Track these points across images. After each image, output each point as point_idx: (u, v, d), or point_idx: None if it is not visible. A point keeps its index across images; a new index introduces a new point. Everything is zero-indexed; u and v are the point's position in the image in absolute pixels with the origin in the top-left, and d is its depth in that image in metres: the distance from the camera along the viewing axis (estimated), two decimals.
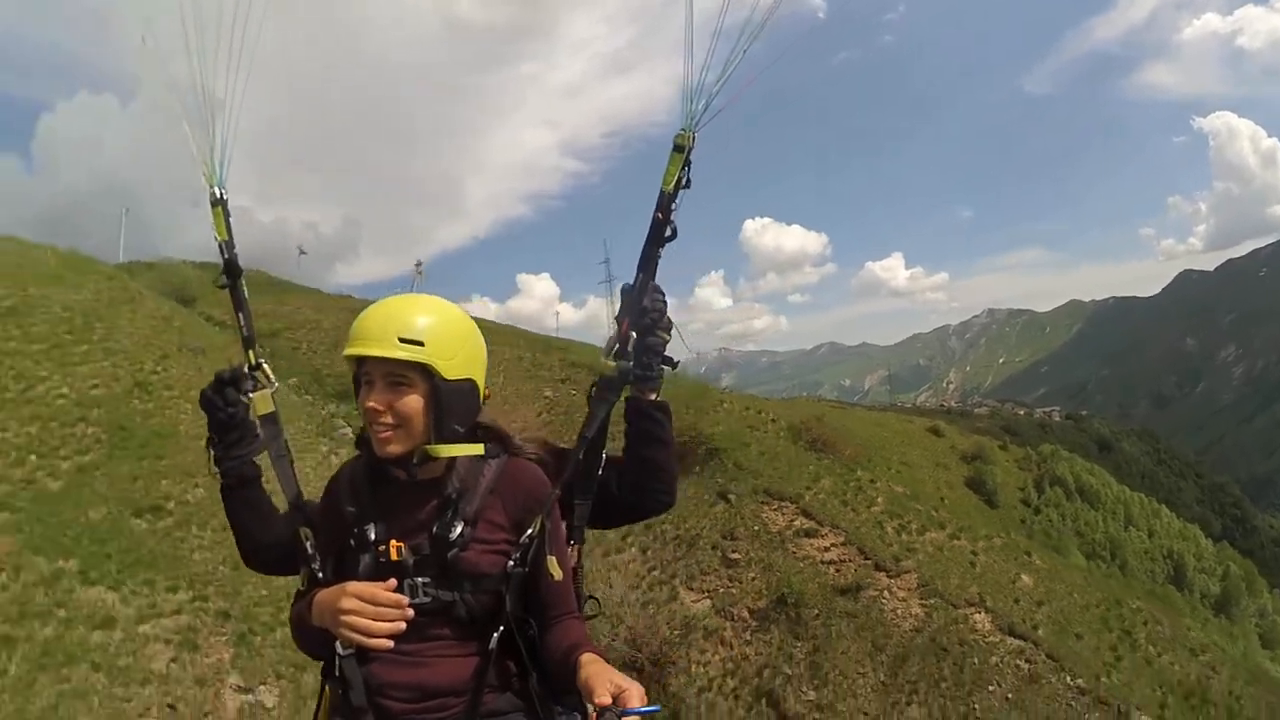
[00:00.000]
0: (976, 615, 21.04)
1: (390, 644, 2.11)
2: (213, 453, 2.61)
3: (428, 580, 2.17)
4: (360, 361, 2.23)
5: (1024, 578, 23.60)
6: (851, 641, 20.09)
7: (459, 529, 2.19)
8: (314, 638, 2.25)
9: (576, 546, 2.56)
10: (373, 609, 2.10)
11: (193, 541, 15.58)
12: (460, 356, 2.26)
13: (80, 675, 11.06)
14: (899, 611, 20.92)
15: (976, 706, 18.58)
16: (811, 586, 21.40)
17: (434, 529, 2.20)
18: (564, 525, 2.49)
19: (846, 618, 20.65)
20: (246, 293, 2.73)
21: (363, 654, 2.18)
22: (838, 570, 22.03)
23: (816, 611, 20.76)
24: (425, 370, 2.21)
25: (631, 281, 2.50)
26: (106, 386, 19.56)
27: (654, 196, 2.46)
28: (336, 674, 2.23)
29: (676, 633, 19.96)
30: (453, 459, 2.27)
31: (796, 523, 23.59)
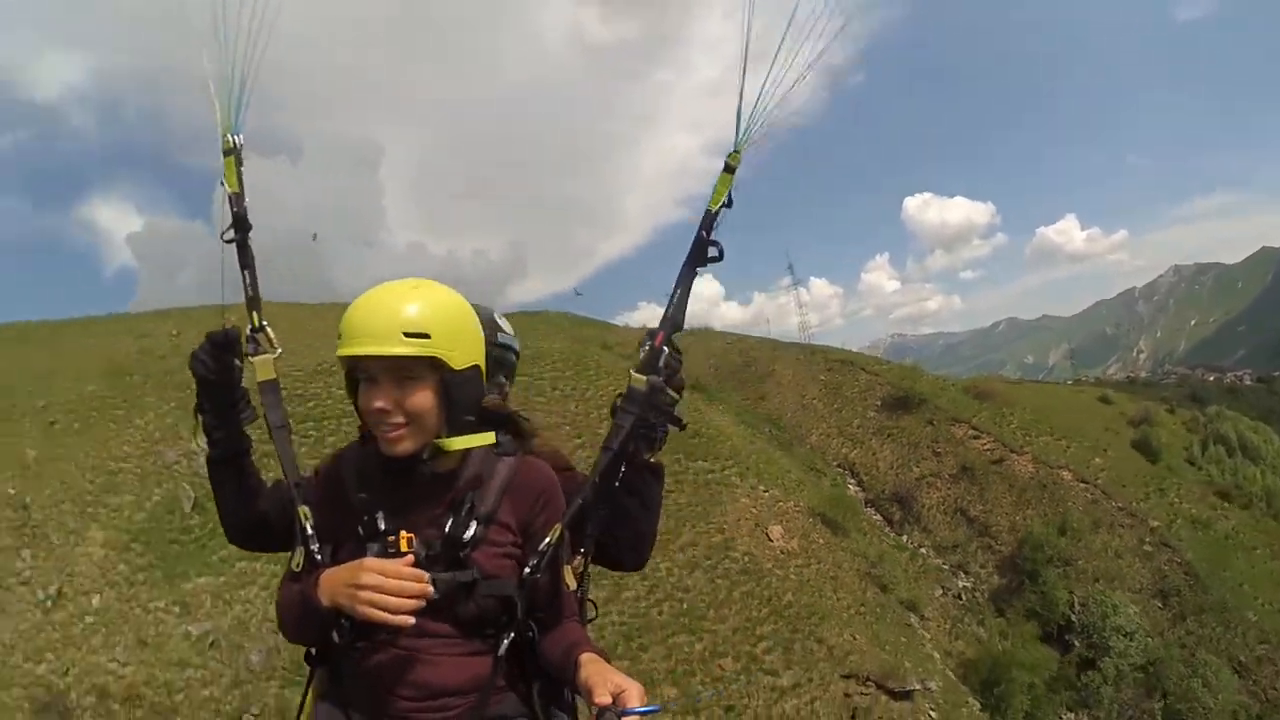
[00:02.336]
0: None
1: (412, 620, 1.99)
2: (200, 420, 2.49)
3: (439, 576, 2.07)
4: (354, 360, 2.09)
5: None
6: None
7: (473, 529, 2.14)
8: (310, 621, 2.13)
9: (586, 554, 2.53)
10: (394, 584, 1.97)
11: None
12: (464, 344, 2.17)
13: None
14: None
15: None
16: None
17: (447, 526, 2.13)
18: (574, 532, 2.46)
19: None
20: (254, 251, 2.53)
21: (360, 646, 2.13)
22: None
23: None
24: (433, 363, 2.11)
25: (670, 297, 2.47)
26: None
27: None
28: (329, 660, 2.22)
29: None
30: (467, 453, 2.22)
31: None
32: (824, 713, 21.81)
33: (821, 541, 28.80)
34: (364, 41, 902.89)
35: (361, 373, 2.12)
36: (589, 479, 2.45)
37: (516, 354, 3.09)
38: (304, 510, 2.23)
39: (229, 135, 2.50)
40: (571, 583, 2.28)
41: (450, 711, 2.12)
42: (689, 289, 2.46)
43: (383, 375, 2.08)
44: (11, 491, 24.78)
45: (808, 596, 25.41)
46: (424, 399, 2.11)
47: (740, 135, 2.39)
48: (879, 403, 42.72)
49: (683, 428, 2.55)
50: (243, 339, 2.46)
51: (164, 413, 28.10)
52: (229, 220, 2.51)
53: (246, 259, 2.51)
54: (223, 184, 2.51)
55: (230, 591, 23.03)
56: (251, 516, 2.52)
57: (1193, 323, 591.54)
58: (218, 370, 2.42)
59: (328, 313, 41.23)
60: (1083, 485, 37.18)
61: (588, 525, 2.49)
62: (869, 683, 22.85)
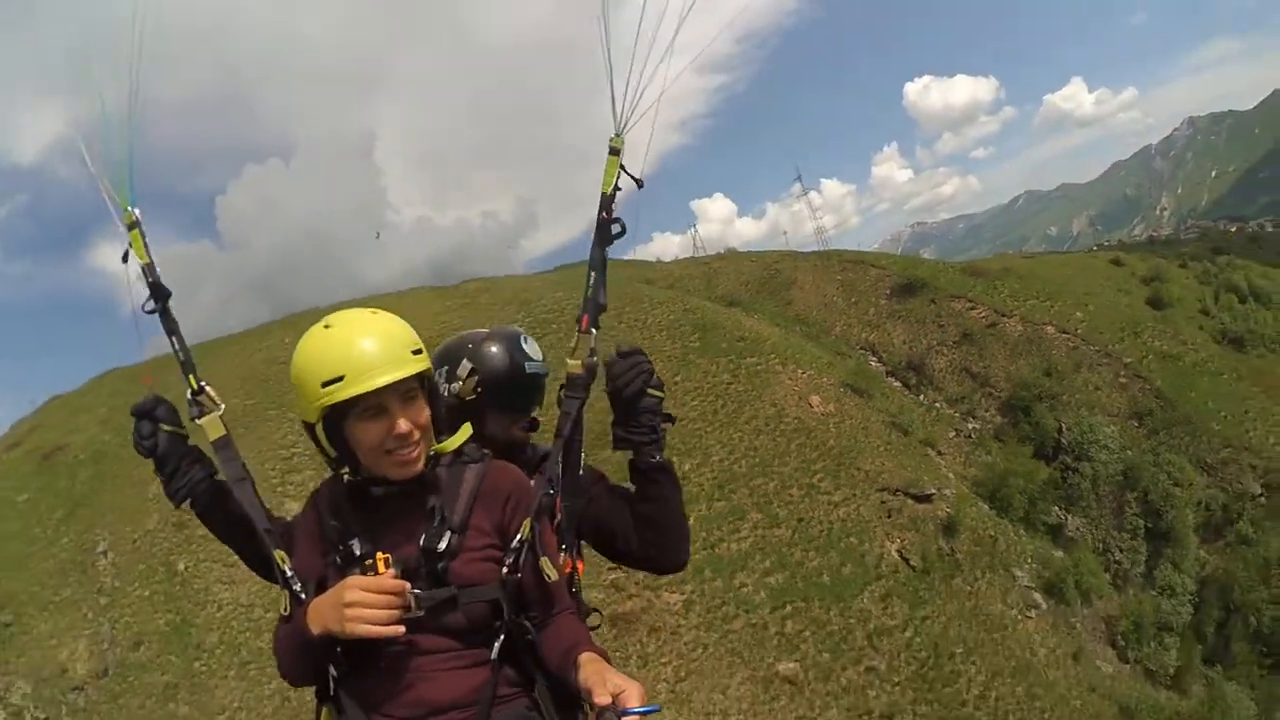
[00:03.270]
0: None
1: (402, 629, 2.04)
2: (164, 488, 2.61)
3: (419, 593, 2.10)
4: (355, 399, 2.10)
5: None
6: None
7: (447, 538, 2.16)
8: (303, 659, 2.20)
9: (570, 554, 2.56)
10: (376, 597, 2.01)
11: None
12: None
13: None
14: None
15: None
16: None
17: (422, 540, 2.16)
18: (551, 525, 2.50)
19: None
20: (176, 317, 2.63)
21: (359, 672, 2.16)
22: None
23: None
24: (421, 376, 2.21)
25: (586, 280, 2.52)
26: None
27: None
28: (331, 694, 2.22)
29: None
30: (435, 466, 2.27)
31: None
32: (866, 514, 30.41)
33: (852, 404, 36.95)
34: (343, 29, 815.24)
35: (367, 410, 2.12)
36: (547, 467, 2.51)
37: (546, 377, 3.03)
38: (280, 555, 2.28)
39: (128, 209, 2.58)
40: (552, 574, 2.24)
41: None
42: (604, 269, 2.51)
43: (393, 401, 2.12)
44: None
45: (846, 441, 33.80)
46: (427, 414, 2.22)
47: (619, 120, 2.45)
48: (888, 291, 49.64)
49: (673, 421, 2.60)
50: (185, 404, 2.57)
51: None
52: (147, 293, 2.59)
53: (170, 325, 2.62)
54: (126, 259, 2.59)
55: None
56: (250, 552, 2.59)
57: (1213, 174, 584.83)
58: (141, 439, 2.57)
59: (373, 304, 48.38)
60: (1064, 335, 44.76)
61: (560, 516, 2.53)
62: (898, 492, 31.32)
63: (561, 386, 2.54)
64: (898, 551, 29.75)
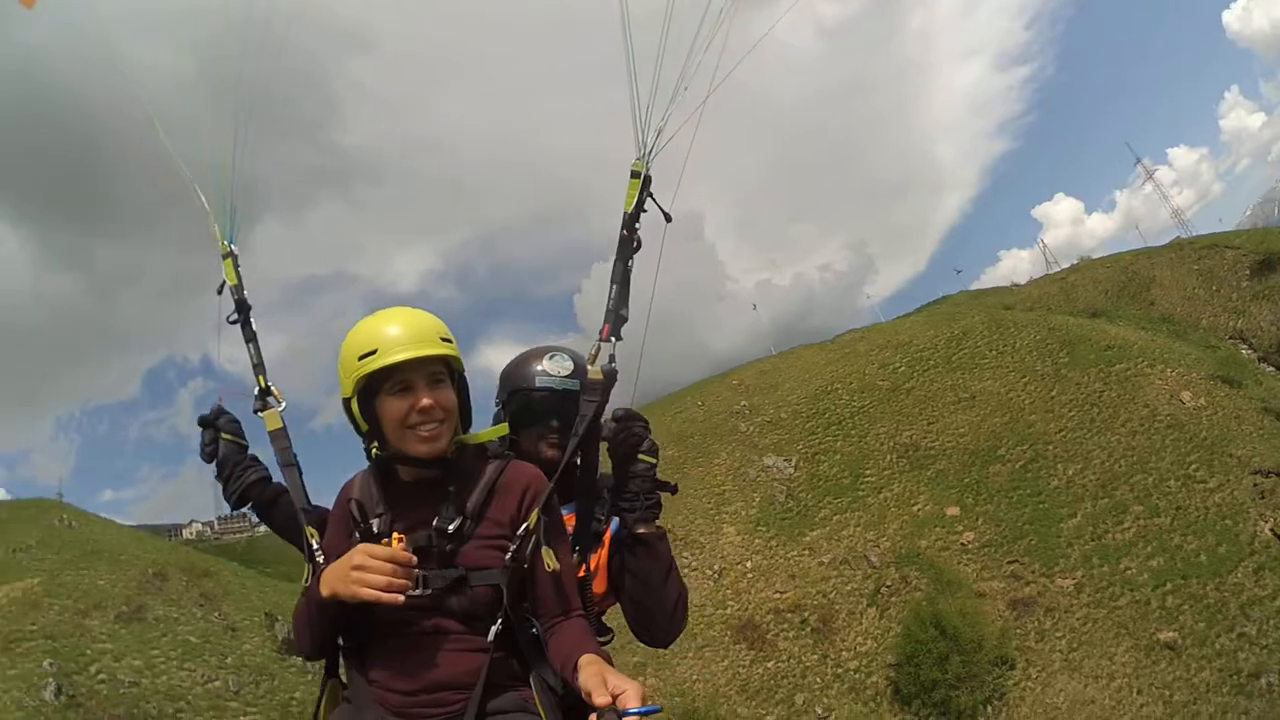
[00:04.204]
0: None
1: (402, 598, 2.15)
2: (222, 490, 3.00)
3: (429, 573, 2.24)
4: (384, 375, 2.34)
5: None
6: None
7: (459, 523, 2.31)
8: (314, 626, 2.35)
9: (586, 555, 2.66)
10: (383, 565, 2.14)
11: None
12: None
13: None
14: None
15: None
16: None
17: (435, 522, 2.32)
18: (567, 524, 2.62)
19: None
20: (255, 327, 3.20)
21: (363, 646, 2.34)
22: None
23: None
24: (451, 366, 2.45)
25: (608, 293, 2.60)
26: None
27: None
28: (337, 669, 2.45)
29: None
30: (459, 456, 2.44)
31: None
32: (1240, 497, 35.16)
33: (1222, 395, 40.98)
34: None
35: (395, 385, 2.34)
36: (561, 462, 2.60)
37: (570, 393, 3.02)
38: (310, 531, 2.56)
39: (225, 242, 3.25)
40: (551, 563, 2.32)
41: (447, 707, 2.21)
42: (626, 282, 2.61)
43: (420, 380, 2.34)
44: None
45: (1218, 431, 38.46)
46: (452, 397, 2.41)
47: (643, 146, 2.58)
48: (1248, 272, 50.63)
49: (674, 491, 2.64)
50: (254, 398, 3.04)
51: (730, 451, 45.24)
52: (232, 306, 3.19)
53: (249, 334, 3.17)
54: (221, 290, 3.21)
55: (835, 533, 39.40)
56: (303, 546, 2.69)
57: None
58: (208, 447, 3.01)
59: (764, 365, 56.00)
60: None
61: (581, 520, 2.67)
62: (1270, 474, 35.70)
63: (581, 391, 2.64)
64: (1270, 529, 33.62)
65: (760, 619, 36.56)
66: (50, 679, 27.25)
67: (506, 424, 2.82)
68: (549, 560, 2.32)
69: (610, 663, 2.13)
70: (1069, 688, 30.57)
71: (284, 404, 3.00)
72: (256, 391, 3.01)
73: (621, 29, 2.57)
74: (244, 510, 2.98)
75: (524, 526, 2.33)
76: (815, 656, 34.47)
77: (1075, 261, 66.65)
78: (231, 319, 3.14)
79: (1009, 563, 35.67)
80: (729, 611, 36.76)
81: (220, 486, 2.99)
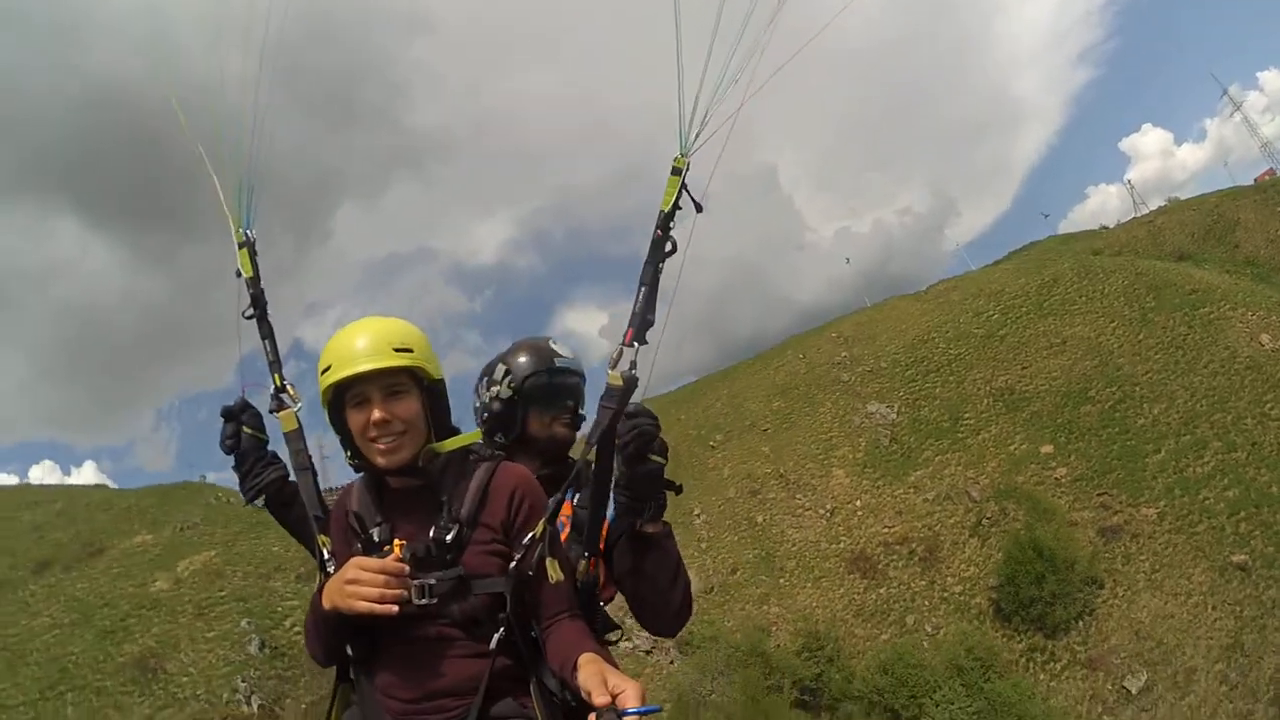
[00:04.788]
0: None
1: (396, 609, 2.14)
2: (240, 484, 2.92)
3: (430, 581, 2.22)
4: (345, 387, 2.32)
5: None
6: None
7: (454, 531, 2.28)
8: (321, 631, 2.36)
9: (593, 561, 2.59)
10: (375, 577, 2.14)
11: None
12: (435, 361, 2.43)
13: None
14: None
15: None
16: None
17: (432, 532, 2.29)
18: (565, 534, 2.62)
19: None
20: (272, 324, 3.00)
21: (369, 654, 2.33)
22: None
23: None
24: (416, 376, 2.37)
25: (635, 294, 2.49)
26: None
27: None
28: (349, 676, 2.43)
29: None
30: (447, 462, 2.41)
31: None
32: None
33: None
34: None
35: (353, 397, 2.32)
36: (573, 470, 2.57)
37: (581, 376, 3.13)
38: (323, 539, 2.50)
39: (241, 230, 3.00)
40: (555, 576, 2.30)
41: (447, 714, 2.21)
42: (656, 285, 2.49)
43: (375, 393, 2.30)
44: (767, 470, 45.85)
45: None
46: (414, 407, 2.34)
47: (685, 140, 2.46)
48: None
49: (679, 491, 2.54)
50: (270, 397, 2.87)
51: (834, 400, 49.48)
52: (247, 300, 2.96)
53: (265, 330, 2.97)
54: (240, 274, 2.96)
55: (938, 472, 43.84)
56: (314, 550, 2.63)
57: None
58: (224, 439, 2.91)
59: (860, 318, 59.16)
60: None
61: (583, 525, 2.60)
62: None
63: (601, 397, 2.50)
64: None
65: (871, 551, 41.03)
66: (253, 635, 32.62)
67: (479, 431, 2.78)
68: (553, 572, 2.31)
69: (611, 661, 2.13)
70: (1151, 604, 35.36)
71: (300, 404, 2.84)
72: (271, 390, 2.87)
73: (673, 13, 2.44)
74: (259, 505, 2.93)
75: (529, 535, 2.30)
76: (923, 583, 39.48)
77: (1164, 202, 68.36)
78: (247, 314, 2.97)
79: (1098, 495, 40.33)
80: (842, 546, 41.95)
81: (239, 480, 2.94)
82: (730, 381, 57.51)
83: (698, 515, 44.19)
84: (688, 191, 2.49)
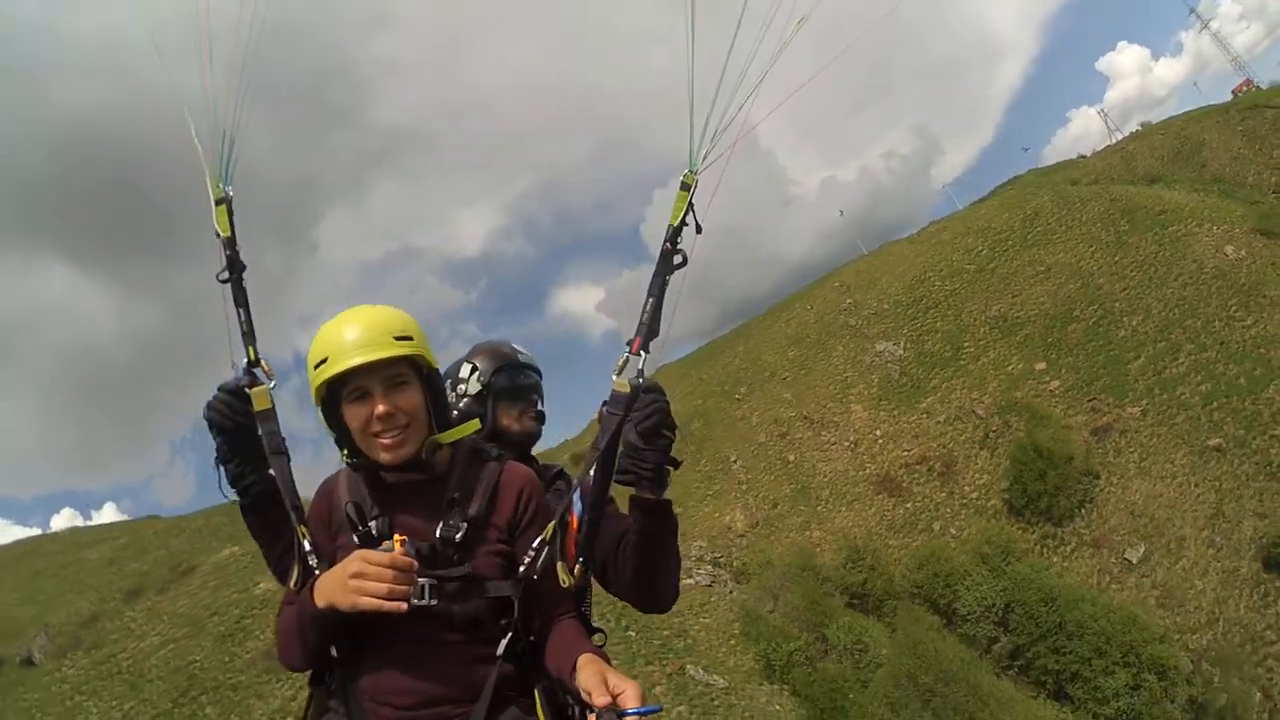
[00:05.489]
0: None
1: (405, 606, 2.00)
2: (225, 471, 2.53)
3: (432, 581, 2.11)
4: (342, 381, 2.19)
5: None
6: None
7: (463, 530, 2.19)
8: (305, 636, 2.17)
9: (586, 563, 2.49)
10: (383, 572, 1.99)
11: None
12: (430, 347, 2.32)
13: None
14: None
15: None
16: None
17: (438, 530, 2.18)
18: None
19: None
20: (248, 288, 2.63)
21: (358, 657, 2.16)
22: None
23: None
24: (416, 365, 2.27)
25: (644, 304, 2.46)
26: None
27: None
28: (326, 680, 2.24)
29: None
30: (451, 459, 2.34)
31: None
32: (1272, 330, 44.17)
33: (1260, 245, 49.18)
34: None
35: (352, 391, 2.20)
36: (578, 477, 2.51)
37: (538, 373, 3.20)
38: (302, 529, 2.28)
39: (220, 185, 2.64)
40: (566, 580, 2.28)
41: None
42: (661, 297, 2.44)
43: (376, 385, 2.18)
44: (791, 414, 49.78)
45: (1255, 277, 47.22)
46: (417, 398, 2.24)
47: (695, 156, 2.43)
48: None
49: (678, 466, 2.51)
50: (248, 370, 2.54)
51: (845, 344, 52.92)
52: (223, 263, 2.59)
53: (240, 297, 2.60)
54: (216, 233, 2.62)
55: (945, 397, 48.20)
56: (275, 554, 2.53)
57: None
58: (237, 415, 2.50)
59: (861, 266, 63.57)
60: None
61: (582, 528, 2.47)
62: None
63: (604, 403, 2.44)
64: None
65: (895, 473, 45.45)
66: None
67: (478, 421, 2.66)
68: (563, 576, 2.27)
69: (608, 662, 2.06)
70: (1142, 488, 40.72)
71: (274, 381, 2.55)
72: (244, 364, 2.55)
73: (686, 31, 2.37)
74: (243, 500, 2.59)
75: (540, 539, 2.23)
76: (943, 494, 44.10)
77: (1138, 126, 72.58)
78: (222, 278, 2.61)
79: (1088, 400, 45.32)
80: (868, 471, 46.18)
81: (225, 470, 2.58)
82: (744, 339, 61.00)
83: (734, 461, 48.24)
84: (693, 211, 2.44)
